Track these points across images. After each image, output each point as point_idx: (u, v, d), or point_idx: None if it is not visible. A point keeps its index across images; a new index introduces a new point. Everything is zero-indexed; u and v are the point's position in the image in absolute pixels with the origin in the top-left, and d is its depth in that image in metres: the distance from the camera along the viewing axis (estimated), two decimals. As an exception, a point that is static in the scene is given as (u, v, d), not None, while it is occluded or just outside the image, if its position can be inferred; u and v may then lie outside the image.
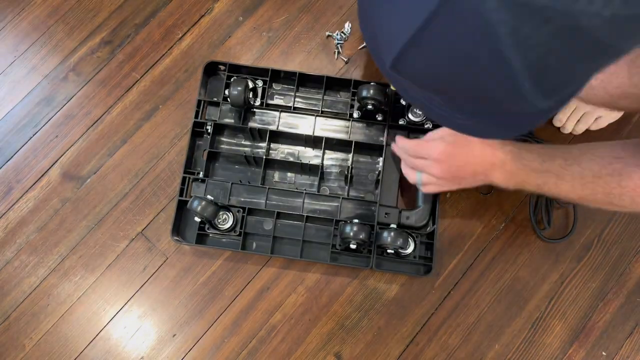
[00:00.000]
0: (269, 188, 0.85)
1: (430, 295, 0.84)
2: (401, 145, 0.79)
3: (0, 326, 0.84)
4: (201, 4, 0.97)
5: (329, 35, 0.95)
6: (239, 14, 0.97)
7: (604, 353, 0.83)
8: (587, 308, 0.84)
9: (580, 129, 0.87)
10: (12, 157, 0.91)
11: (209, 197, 0.81)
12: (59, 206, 0.89)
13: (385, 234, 0.78)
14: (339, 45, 0.94)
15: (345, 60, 0.93)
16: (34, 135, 0.92)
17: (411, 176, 0.78)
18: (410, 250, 0.82)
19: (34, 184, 0.90)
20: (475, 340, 0.83)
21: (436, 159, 0.72)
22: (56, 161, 0.91)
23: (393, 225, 0.81)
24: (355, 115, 0.88)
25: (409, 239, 0.81)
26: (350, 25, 0.95)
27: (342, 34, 0.94)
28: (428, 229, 0.83)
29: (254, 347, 0.83)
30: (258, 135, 0.88)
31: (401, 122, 0.87)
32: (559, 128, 0.89)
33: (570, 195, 0.65)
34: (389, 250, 0.80)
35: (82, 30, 0.96)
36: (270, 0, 0.97)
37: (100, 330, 0.84)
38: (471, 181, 0.73)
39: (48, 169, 0.90)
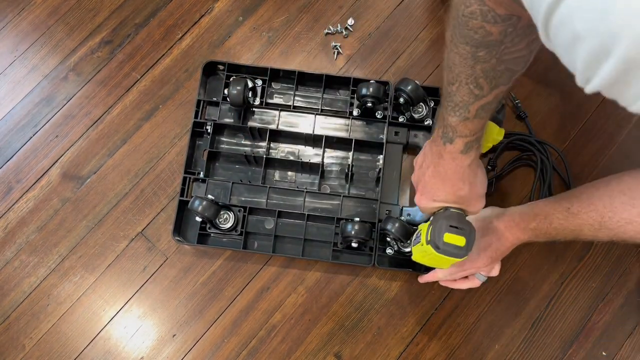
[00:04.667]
0: (269, 187, 0.85)
1: (430, 295, 0.84)
2: (442, 276, 0.76)
3: (0, 326, 0.84)
4: (201, 4, 0.97)
5: (327, 33, 0.95)
6: (239, 14, 0.97)
7: (604, 353, 0.83)
8: (587, 308, 0.84)
9: None
10: (12, 157, 0.91)
11: (209, 196, 0.81)
12: (59, 206, 0.89)
13: (389, 224, 0.78)
14: (337, 46, 0.94)
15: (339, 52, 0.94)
16: (34, 135, 0.92)
17: (475, 282, 0.78)
18: (411, 248, 0.82)
19: (34, 184, 0.90)
20: (476, 340, 0.83)
21: (484, 267, 0.74)
22: (56, 161, 0.90)
23: (403, 218, 0.81)
24: (355, 113, 0.88)
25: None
26: (353, 21, 0.95)
27: (346, 29, 0.94)
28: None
29: (254, 347, 0.83)
30: (258, 134, 0.88)
31: (401, 119, 0.87)
32: None
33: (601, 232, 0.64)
34: (389, 240, 0.80)
35: (82, 30, 0.96)
36: (270, 0, 0.97)
37: (100, 330, 0.84)
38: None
39: (48, 169, 0.90)
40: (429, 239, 0.64)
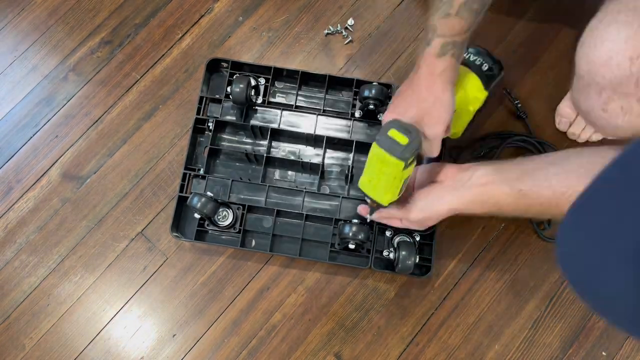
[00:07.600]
0: (269, 186, 0.86)
1: (430, 295, 0.84)
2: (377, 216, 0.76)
3: (0, 326, 0.84)
4: (201, 4, 0.97)
5: (327, 34, 0.95)
6: (239, 14, 0.97)
7: (604, 353, 0.83)
8: (587, 308, 0.84)
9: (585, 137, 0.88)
10: (12, 157, 0.91)
11: (208, 193, 0.81)
12: (59, 206, 0.89)
13: (392, 255, 0.79)
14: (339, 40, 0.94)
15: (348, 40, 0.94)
16: (34, 135, 0.92)
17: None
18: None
19: (34, 183, 0.90)
20: (475, 340, 0.83)
21: (415, 220, 0.72)
22: (56, 161, 0.91)
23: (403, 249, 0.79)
24: (357, 114, 0.88)
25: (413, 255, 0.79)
26: (353, 21, 0.95)
27: (345, 29, 0.94)
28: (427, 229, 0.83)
29: (254, 347, 0.83)
30: (259, 133, 0.88)
31: None
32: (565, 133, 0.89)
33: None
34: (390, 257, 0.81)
35: (82, 30, 0.96)
36: (270, 0, 0.97)
37: (100, 330, 0.84)
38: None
39: (48, 169, 0.90)
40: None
